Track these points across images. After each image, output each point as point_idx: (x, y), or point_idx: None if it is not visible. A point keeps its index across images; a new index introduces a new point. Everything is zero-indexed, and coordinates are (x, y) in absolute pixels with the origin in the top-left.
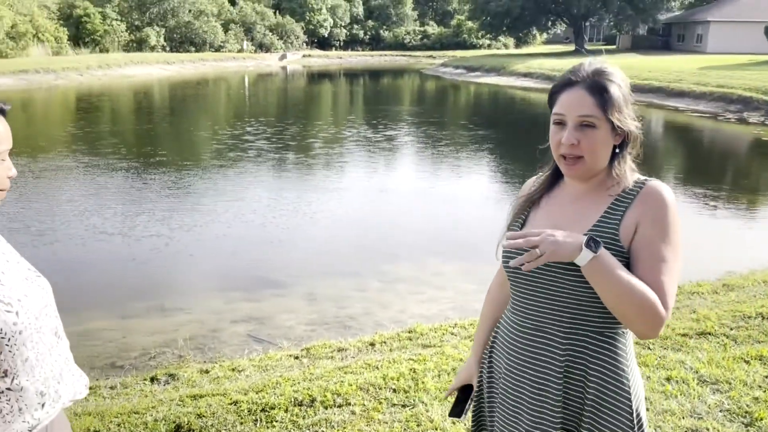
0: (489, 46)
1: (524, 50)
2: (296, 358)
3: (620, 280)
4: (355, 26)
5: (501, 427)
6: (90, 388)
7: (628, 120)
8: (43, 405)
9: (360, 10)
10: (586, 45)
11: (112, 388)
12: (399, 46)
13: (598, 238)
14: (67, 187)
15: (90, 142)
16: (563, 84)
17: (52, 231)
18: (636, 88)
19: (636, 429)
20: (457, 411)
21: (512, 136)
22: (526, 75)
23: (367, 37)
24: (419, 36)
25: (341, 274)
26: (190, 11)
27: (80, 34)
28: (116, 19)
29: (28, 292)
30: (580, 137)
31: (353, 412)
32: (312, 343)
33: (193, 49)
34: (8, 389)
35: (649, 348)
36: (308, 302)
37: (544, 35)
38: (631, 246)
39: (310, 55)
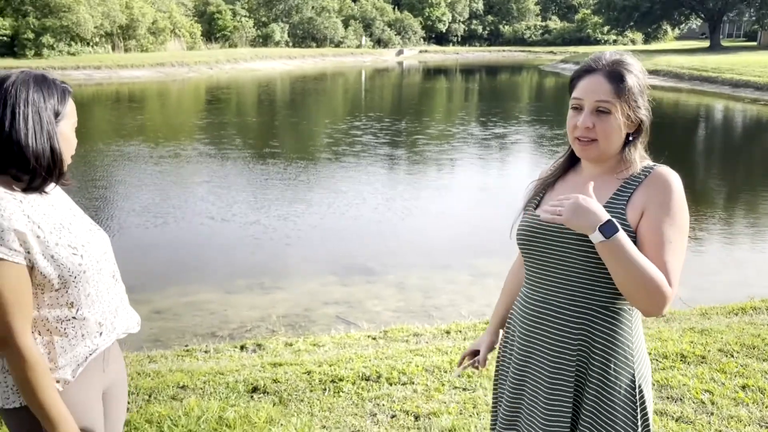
0: (615, 42)
1: (654, 46)
2: (374, 338)
3: (630, 263)
4: (474, 21)
5: (510, 397)
6: (186, 351)
7: (642, 110)
8: (101, 333)
9: (479, 5)
10: (723, 41)
11: (206, 352)
12: (518, 41)
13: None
14: (182, 173)
15: (209, 131)
16: (584, 70)
17: (164, 214)
18: None
19: (638, 405)
20: (458, 372)
21: None
22: (651, 72)
23: (486, 32)
24: (540, 31)
25: (432, 265)
26: (313, 8)
27: (212, 30)
28: (245, 16)
29: (90, 239)
30: (596, 121)
31: (415, 390)
32: (391, 326)
33: (314, 44)
34: (74, 318)
35: (732, 356)
36: (397, 290)
37: (677, 31)
38: (638, 228)
39: (426, 51)
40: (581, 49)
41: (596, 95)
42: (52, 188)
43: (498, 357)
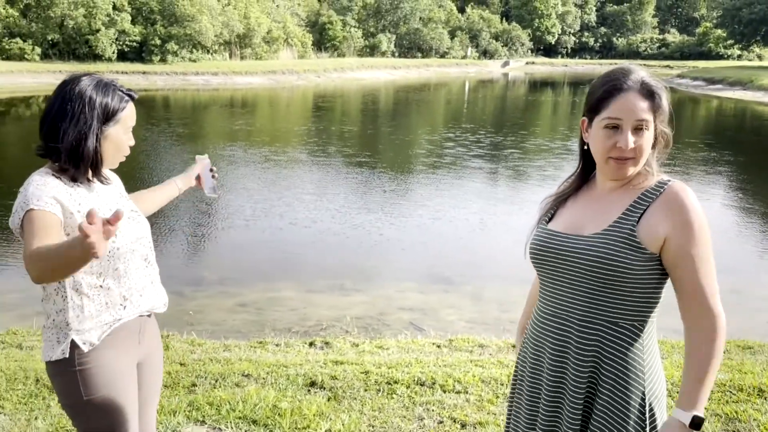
0: (739, 56)
1: None
2: (438, 346)
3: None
4: (586, 33)
5: (519, 413)
6: (259, 343)
7: (668, 126)
8: (124, 307)
9: (592, 16)
10: None
11: (277, 345)
12: (632, 54)
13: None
14: (271, 178)
15: (305, 138)
16: (615, 89)
17: (249, 217)
18: None
19: (648, 425)
20: None
21: (752, 158)
22: None
23: (598, 44)
24: (656, 44)
25: (512, 279)
26: (420, 19)
27: (323, 40)
28: (354, 27)
29: (127, 224)
30: (636, 140)
31: (467, 400)
32: (457, 335)
33: (420, 54)
34: (100, 286)
35: None
36: (474, 302)
37: None
38: (663, 254)
39: (533, 62)
40: (701, 63)
41: (636, 114)
42: (96, 182)
43: (514, 373)
